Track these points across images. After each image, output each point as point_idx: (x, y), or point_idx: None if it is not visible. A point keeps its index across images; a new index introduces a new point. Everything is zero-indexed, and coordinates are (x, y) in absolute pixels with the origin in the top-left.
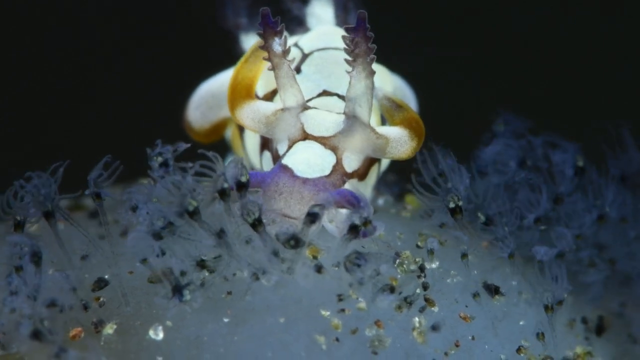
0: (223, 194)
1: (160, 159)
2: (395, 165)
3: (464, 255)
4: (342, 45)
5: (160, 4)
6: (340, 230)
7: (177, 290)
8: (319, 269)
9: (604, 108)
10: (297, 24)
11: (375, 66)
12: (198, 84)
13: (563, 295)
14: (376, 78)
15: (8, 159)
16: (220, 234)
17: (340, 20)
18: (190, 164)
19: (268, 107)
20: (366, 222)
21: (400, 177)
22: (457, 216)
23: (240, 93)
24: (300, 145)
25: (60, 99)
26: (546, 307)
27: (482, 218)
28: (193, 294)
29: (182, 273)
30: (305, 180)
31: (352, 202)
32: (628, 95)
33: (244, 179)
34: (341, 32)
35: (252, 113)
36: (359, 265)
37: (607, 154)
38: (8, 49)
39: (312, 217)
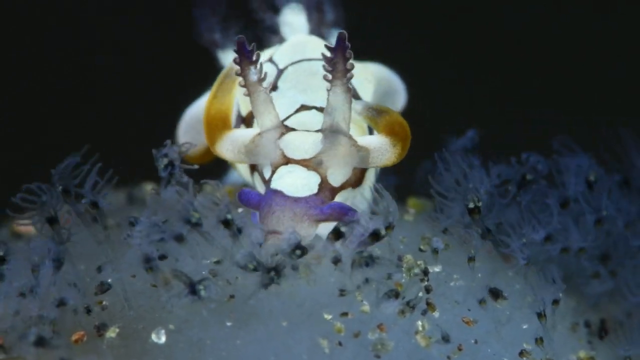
0: (227, 224)
1: (166, 160)
2: (397, 167)
3: (471, 259)
4: (316, 55)
5: (161, 3)
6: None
7: (192, 287)
8: (336, 261)
9: (597, 106)
10: (271, 33)
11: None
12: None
13: (558, 294)
14: (357, 86)
15: (8, 159)
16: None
17: (314, 23)
18: (195, 165)
19: (245, 135)
20: (389, 226)
21: (402, 180)
22: (475, 216)
23: (217, 126)
24: (283, 170)
25: (60, 99)
26: (539, 315)
27: (479, 230)
28: (209, 289)
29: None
30: (296, 199)
31: (343, 212)
32: (621, 94)
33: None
34: (314, 40)
35: (231, 145)
36: (367, 265)
37: (607, 156)
38: (8, 49)
39: (337, 235)
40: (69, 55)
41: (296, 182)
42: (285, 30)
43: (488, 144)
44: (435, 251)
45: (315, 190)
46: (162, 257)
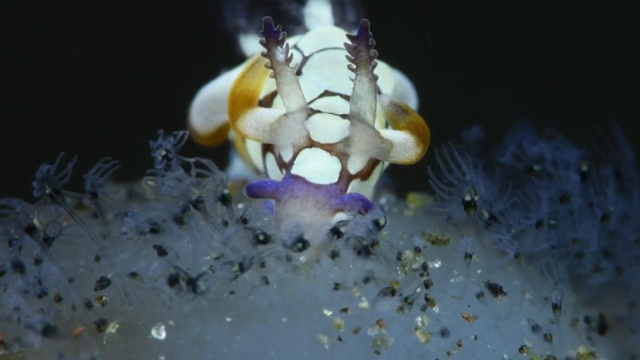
0: (224, 200)
1: (162, 152)
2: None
3: (468, 256)
4: (341, 44)
5: (162, 5)
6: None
7: (191, 283)
8: (334, 255)
9: (603, 105)
10: (296, 24)
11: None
12: (200, 82)
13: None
14: (379, 82)
15: (8, 159)
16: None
17: (338, 18)
18: (193, 159)
19: (271, 114)
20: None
21: (402, 176)
22: (470, 210)
23: (242, 104)
24: (307, 152)
25: (59, 99)
26: (554, 306)
27: (486, 215)
28: (207, 283)
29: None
30: (318, 186)
31: (363, 204)
32: (632, 93)
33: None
34: (339, 31)
35: (255, 122)
36: (359, 253)
37: (601, 152)
38: (8, 48)
39: (337, 234)
40: (68, 55)
41: (319, 168)
42: (310, 21)
43: (490, 142)
44: (417, 250)
45: (336, 179)
46: (163, 252)
